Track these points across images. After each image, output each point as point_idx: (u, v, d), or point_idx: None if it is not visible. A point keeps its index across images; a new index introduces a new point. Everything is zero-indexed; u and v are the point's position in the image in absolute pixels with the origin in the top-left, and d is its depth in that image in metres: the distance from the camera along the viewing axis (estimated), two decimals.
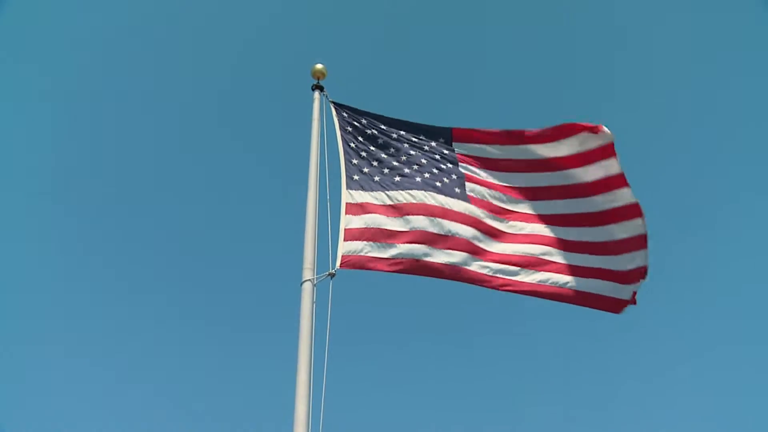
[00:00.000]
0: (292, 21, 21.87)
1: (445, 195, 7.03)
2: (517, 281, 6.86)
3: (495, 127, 7.51)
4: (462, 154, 7.41)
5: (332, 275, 6.06)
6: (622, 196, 7.00)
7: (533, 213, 7.22)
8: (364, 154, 7.20)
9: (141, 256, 19.47)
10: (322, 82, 7.68)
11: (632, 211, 6.98)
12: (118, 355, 17.18)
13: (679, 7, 20.28)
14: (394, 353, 18.95)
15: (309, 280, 5.95)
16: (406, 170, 7.18)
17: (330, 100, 7.58)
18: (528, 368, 18.36)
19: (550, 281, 6.91)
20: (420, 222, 6.75)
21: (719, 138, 20.32)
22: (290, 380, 5.42)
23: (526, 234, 7.12)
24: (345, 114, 7.50)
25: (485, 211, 7.09)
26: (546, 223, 7.17)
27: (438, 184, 7.13)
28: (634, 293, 6.94)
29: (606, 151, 6.99)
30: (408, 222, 6.73)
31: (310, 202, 6.55)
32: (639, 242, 6.95)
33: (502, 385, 18.12)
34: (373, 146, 7.32)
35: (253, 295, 19.58)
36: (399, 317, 19.30)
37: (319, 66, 7.75)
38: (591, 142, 7.02)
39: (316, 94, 7.56)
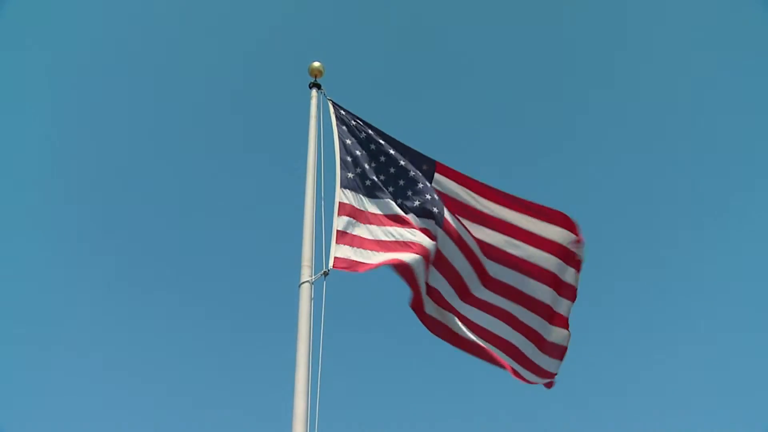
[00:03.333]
0: (290, 19, 21.90)
1: (420, 216, 6.93)
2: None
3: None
4: (438, 191, 7.24)
5: (326, 274, 6.04)
6: (563, 305, 7.22)
7: (490, 275, 7.25)
8: (358, 153, 7.17)
9: (139, 257, 19.53)
10: (319, 80, 7.72)
11: (562, 321, 7.21)
12: (117, 355, 17.28)
13: (679, 6, 20.27)
14: (392, 350, 19.01)
15: (307, 279, 5.97)
16: (384, 182, 7.08)
17: (328, 98, 7.59)
18: None
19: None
20: (402, 235, 6.69)
21: (719, 138, 20.31)
22: (289, 378, 5.43)
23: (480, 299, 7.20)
24: (342, 112, 7.51)
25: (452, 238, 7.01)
26: (496, 291, 7.24)
27: (417, 203, 6.99)
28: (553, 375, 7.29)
29: (574, 261, 7.15)
30: (394, 233, 6.68)
31: (308, 200, 6.55)
32: (559, 351, 7.28)
33: (500, 382, 18.11)
34: (366, 150, 7.27)
35: (251, 294, 19.62)
36: (396, 314, 19.29)
37: (316, 64, 7.78)
38: (568, 243, 7.14)
39: (314, 92, 7.60)
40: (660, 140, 20.96)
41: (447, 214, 7.04)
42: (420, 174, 7.17)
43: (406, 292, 6.65)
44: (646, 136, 21.27)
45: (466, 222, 7.20)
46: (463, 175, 7.31)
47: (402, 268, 6.44)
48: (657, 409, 16.89)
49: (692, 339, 18.57)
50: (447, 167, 7.33)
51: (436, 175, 7.27)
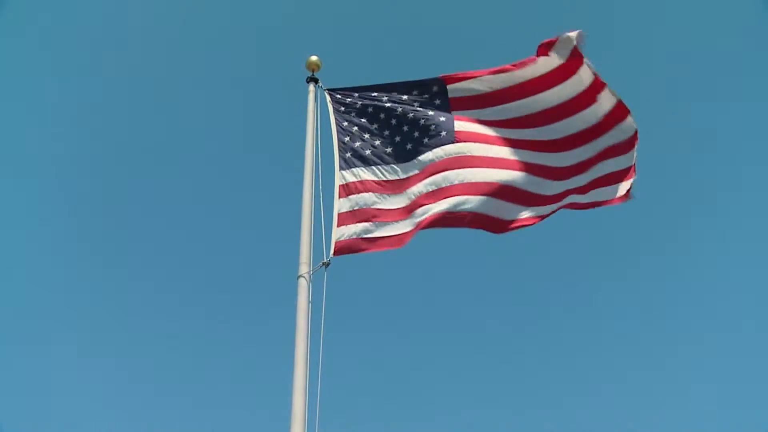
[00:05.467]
0: (288, 14, 21.90)
1: (432, 147, 6.91)
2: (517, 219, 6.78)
3: None
4: (455, 98, 7.16)
5: (326, 265, 5.99)
6: (606, 100, 6.82)
7: (521, 139, 7.00)
8: (356, 129, 7.12)
9: (135, 252, 19.47)
10: (317, 75, 7.60)
11: (619, 112, 6.83)
12: (113, 353, 17.18)
13: (679, 7, 20.29)
14: (391, 344, 19.01)
15: (304, 274, 5.86)
16: (397, 138, 7.03)
17: (324, 89, 7.50)
18: (531, 359, 18.40)
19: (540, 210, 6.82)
20: (411, 194, 6.69)
21: (719, 138, 20.31)
22: (287, 373, 5.36)
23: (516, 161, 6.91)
24: (338, 95, 7.44)
25: (473, 143, 6.90)
26: (535, 149, 6.97)
27: (426, 140, 6.97)
28: (628, 190, 6.79)
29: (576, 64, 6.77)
30: (400, 198, 6.68)
31: (306, 194, 6.48)
32: (629, 144, 6.85)
33: (499, 375, 18.14)
34: (364, 118, 7.21)
35: (249, 288, 19.55)
36: (395, 308, 19.35)
37: (313, 58, 7.67)
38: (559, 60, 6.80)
39: (311, 86, 7.48)
40: (660, 140, 20.94)
41: (461, 125, 6.97)
42: (427, 102, 7.13)
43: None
44: (645, 136, 21.23)
45: (484, 111, 7.09)
46: (469, 72, 7.19)
47: (408, 237, 6.47)
48: (657, 409, 16.89)
49: (693, 337, 18.54)
50: (455, 75, 7.20)
51: (448, 86, 7.15)
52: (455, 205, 6.69)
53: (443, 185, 6.76)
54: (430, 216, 6.61)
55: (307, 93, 7.44)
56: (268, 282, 18.48)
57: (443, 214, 6.65)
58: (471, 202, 6.73)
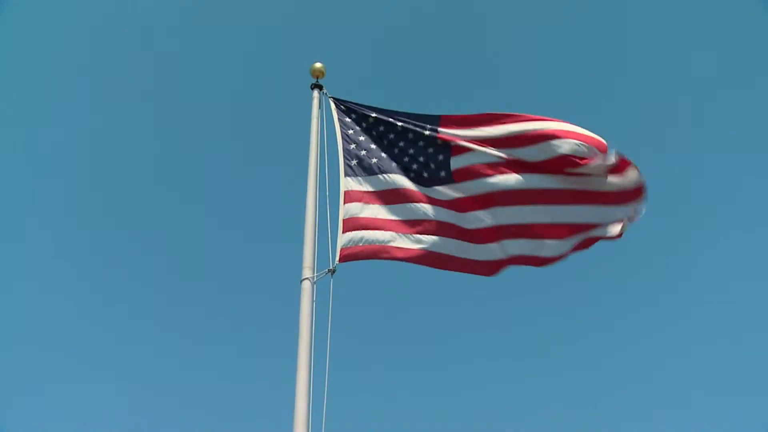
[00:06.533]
0: (292, 20, 21.94)
1: (430, 185, 6.84)
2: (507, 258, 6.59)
3: None
4: (447, 141, 6.97)
5: (332, 272, 6.07)
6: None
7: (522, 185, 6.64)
8: (362, 138, 7.21)
9: (140, 255, 19.51)
10: (321, 81, 7.67)
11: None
12: (117, 354, 17.23)
13: (679, 6, 20.32)
14: (395, 350, 19.04)
15: (308, 278, 5.93)
16: (393, 159, 7.04)
17: (329, 96, 7.58)
18: (532, 365, 18.43)
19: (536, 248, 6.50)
20: (414, 210, 6.70)
21: (719, 139, 20.33)
22: (290, 379, 5.41)
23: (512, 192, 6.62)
24: (343, 106, 7.54)
25: (473, 180, 6.74)
26: (531, 200, 6.58)
27: (425, 174, 6.91)
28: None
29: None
30: (403, 209, 6.71)
31: (310, 199, 6.54)
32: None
33: (502, 382, 18.16)
34: (367, 134, 7.28)
35: (253, 293, 19.61)
36: (400, 314, 19.38)
37: (318, 65, 7.73)
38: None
39: (315, 92, 7.56)
40: (660, 140, 20.99)
41: (459, 164, 6.82)
42: (427, 139, 7.03)
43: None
44: (645, 137, 21.27)
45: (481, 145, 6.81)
46: (468, 117, 6.96)
47: (422, 259, 6.47)
48: (659, 410, 16.92)
49: (695, 339, 18.57)
50: (451, 117, 7.04)
51: (441, 130, 6.97)
52: (458, 250, 6.59)
53: (443, 221, 6.67)
54: (432, 252, 6.54)
55: (311, 99, 7.53)
56: (274, 285, 18.53)
57: (445, 255, 6.56)
58: (476, 251, 6.61)
